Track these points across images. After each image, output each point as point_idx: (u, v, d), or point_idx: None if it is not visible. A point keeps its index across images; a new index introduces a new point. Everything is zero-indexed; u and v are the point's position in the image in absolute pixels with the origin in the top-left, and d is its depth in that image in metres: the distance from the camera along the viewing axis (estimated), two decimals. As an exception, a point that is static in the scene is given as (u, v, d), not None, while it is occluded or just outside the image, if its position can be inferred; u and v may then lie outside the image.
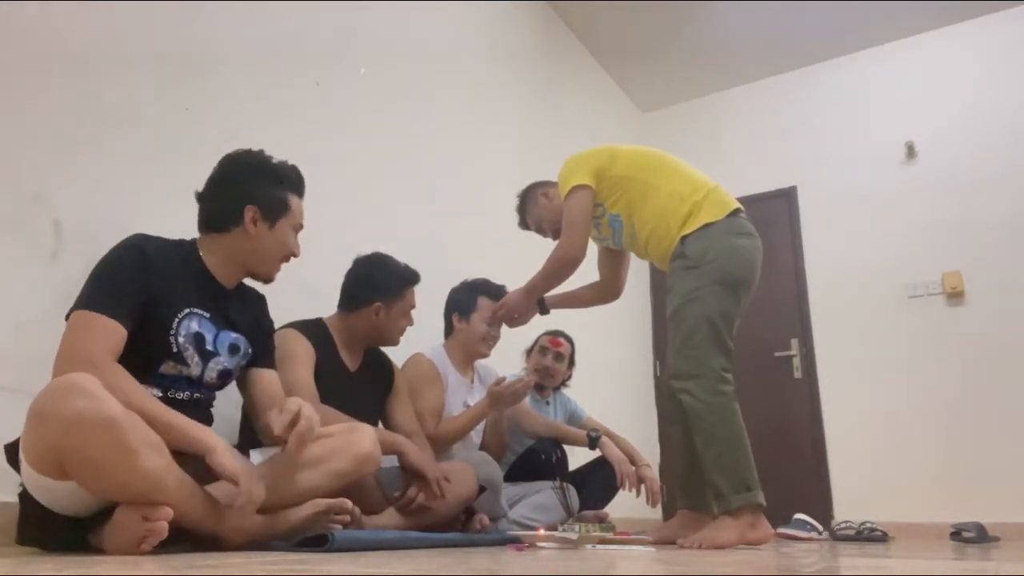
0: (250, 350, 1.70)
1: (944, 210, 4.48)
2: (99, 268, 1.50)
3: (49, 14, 1.90)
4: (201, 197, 1.68)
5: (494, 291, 2.63)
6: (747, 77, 5.29)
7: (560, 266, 2.34)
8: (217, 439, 1.40)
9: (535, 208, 2.56)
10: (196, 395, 1.60)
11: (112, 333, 1.41)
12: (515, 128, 4.01)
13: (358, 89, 2.93)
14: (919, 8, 4.59)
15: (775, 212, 4.88)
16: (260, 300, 1.80)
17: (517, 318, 2.56)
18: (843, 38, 4.88)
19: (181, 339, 1.54)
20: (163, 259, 1.54)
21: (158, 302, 1.51)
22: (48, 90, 1.88)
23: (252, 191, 1.66)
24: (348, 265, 2.25)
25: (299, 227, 1.76)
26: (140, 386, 1.39)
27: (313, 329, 2.10)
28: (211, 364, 1.61)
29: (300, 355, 1.97)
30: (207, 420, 1.64)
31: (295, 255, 1.75)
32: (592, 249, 2.43)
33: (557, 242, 2.37)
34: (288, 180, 1.73)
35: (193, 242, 1.68)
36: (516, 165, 3.81)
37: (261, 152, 1.72)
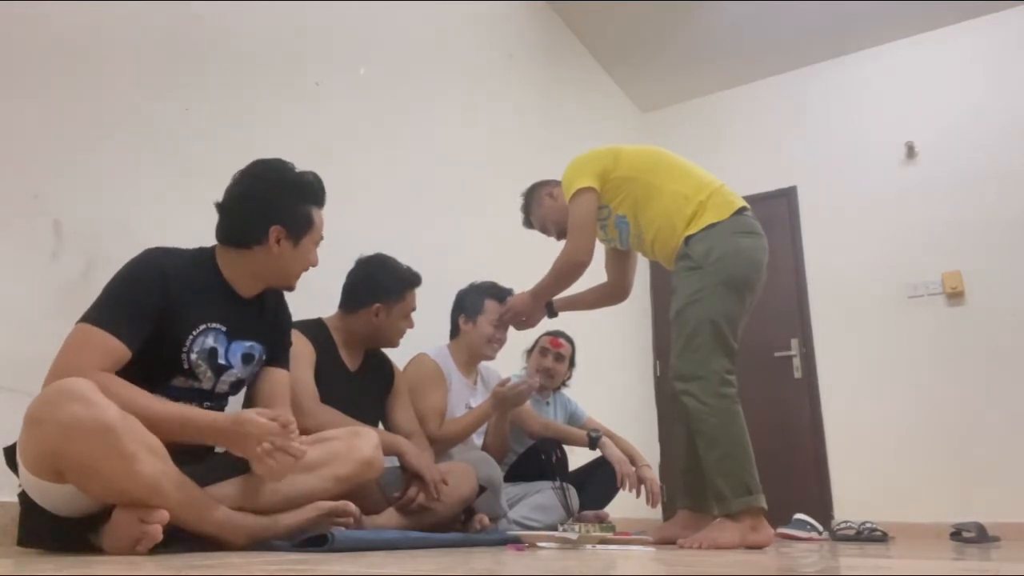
0: (265, 356, 1.69)
1: (944, 210, 4.47)
2: (113, 282, 1.47)
3: (49, 14, 1.90)
4: (223, 210, 1.63)
5: (501, 294, 2.63)
6: (747, 77, 5.29)
7: (567, 270, 2.34)
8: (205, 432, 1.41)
9: (539, 208, 2.56)
10: (207, 405, 1.60)
11: (110, 351, 1.38)
12: (515, 128, 4.01)
13: (358, 89, 2.93)
14: (919, 8, 4.59)
15: (775, 212, 4.88)
16: (277, 295, 1.76)
17: (524, 321, 2.56)
18: (843, 38, 4.88)
19: (194, 356, 1.53)
20: (180, 274, 1.52)
21: (173, 320, 1.49)
22: (48, 90, 1.88)
23: (278, 210, 1.61)
24: (348, 265, 2.25)
25: (321, 240, 1.72)
26: (136, 388, 1.37)
27: (313, 329, 2.10)
28: (224, 377, 1.61)
29: (301, 355, 1.96)
30: None
31: (314, 266, 1.72)
32: (599, 250, 2.43)
33: (563, 245, 2.36)
34: (311, 193, 1.68)
35: (212, 251, 1.64)
36: (517, 165, 3.81)
37: (282, 163, 1.67)
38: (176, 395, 1.53)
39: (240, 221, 1.62)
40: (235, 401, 1.72)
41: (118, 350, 1.39)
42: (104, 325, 1.39)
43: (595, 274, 2.56)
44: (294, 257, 1.65)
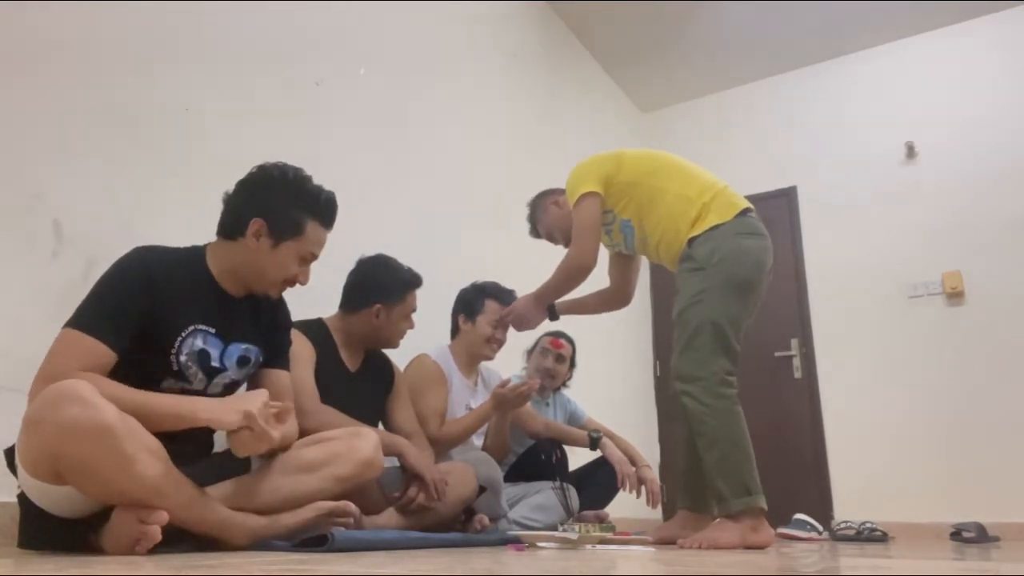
0: (261, 358, 1.68)
1: (944, 210, 4.48)
2: (98, 285, 1.46)
3: (49, 14, 1.90)
4: (224, 201, 1.63)
5: (502, 295, 2.63)
6: (747, 77, 5.29)
7: (571, 274, 2.34)
8: (198, 405, 1.41)
9: (546, 217, 2.56)
10: None
11: (95, 355, 1.37)
12: (515, 128, 4.01)
13: (358, 89, 2.93)
14: (919, 8, 4.59)
15: (775, 212, 4.87)
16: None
17: (526, 323, 2.57)
18: (843, 38, 4.88)
19: (183, 358, 1.52)
20: (168, 274, 1.50)
21: (160, 320, 1.47)
22: (48, 90, 1.87)
23: (265, 204, 1.58)
24: (348, 265, 2.25)
25: (311, 257, 1.65)
26: (122, 385, 1.36)
27: (313, 329, 2.10)
28: (216, 380, 1.59)
29: (301, 355, 1.96)
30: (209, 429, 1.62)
31: (300, 283, 1.66)
32: (602, 255, 2.43)
33: (568, 250, 2.36)
34: (313, 205, 1.62)
35: (202, 249, 1.63)
36: (516, 165, 3.81)
37: (299, 170, 1.64)
38: None
39: (228, 210, 1.62)
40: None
41: (103, 354, 1.38)
42: (88, 329, 1.38)
43: (601, 279, 2.56)
44: (271, 258, 1.59)
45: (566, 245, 2.46)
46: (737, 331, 2.14)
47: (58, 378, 1.26)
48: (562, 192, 2.48)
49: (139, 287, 1.45)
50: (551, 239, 2.59)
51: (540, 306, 2.50)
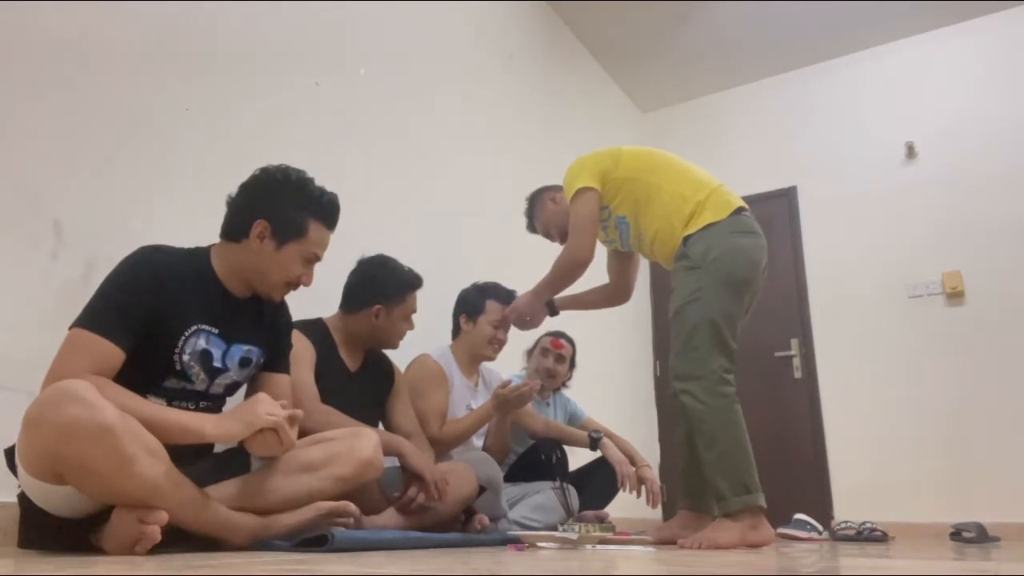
0: (263, 359, 1.68)
1: (944, 210, 4.48)
2: (105, 284, 1.46)
3: (49, 14, 1.90)
4: (228, 203, 1.63)
5: (503, 295, 2.63)
6: (747, 77, 5.29)
7: (568, 268, 2.35)
8: (206, 420, 1.43)
9: (543, 212, 2.57)
10: (203, 404, 1.59)
11: (105, 355, 1.37)
12: (515, 128, 4.01)
13: (358, 89, 2.93)
14: (919, 8, 4.59)
15: (775, 212, 4.88)
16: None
17: (528, 321, 2.57)
18: (843, 38, 4.88)
19: (186, 357, 1.52)
20: (173, 274, 1.50)
21: (164, 320, 1.47)
22: (48, 90, 1.87)
23: (268, 205, 1.59)
24: (349, 266, 2.25)
25: (314, 257, 1.66)
26: (134, 395, 1.36)
27: (313, 329, 2.10)
28: (218, 380, 1.60)
29: (301, 355, 1.96)
30: None
31: (304, 284, 1.67)
32: (601, 252, 2.43)
33: (565, 245, 2.37)
34: (316, 206, 1.63)
35: (207, 250, 1.63)
36: (516, 165, 3.81)
37: (302, 172, 1.65)
38: (170, 396, 1.53)
39: (232, 212, 1.62)
40: (233, 402, 1.72)
41: (112, 353, 1.38)
42: (96, 328, 1.38)
43: (599, 276, 2.56)
44: (274, 260, 1.60)
45: (562, 242, 2.47)
46: (733, 329, 2.14)
47: (68, 378, 1.26)
48: (560, 189, 2.49)
49: (146, 286, 1.46)
50: (547, 235, 2.60)
51: (539, 302, 2.50)
